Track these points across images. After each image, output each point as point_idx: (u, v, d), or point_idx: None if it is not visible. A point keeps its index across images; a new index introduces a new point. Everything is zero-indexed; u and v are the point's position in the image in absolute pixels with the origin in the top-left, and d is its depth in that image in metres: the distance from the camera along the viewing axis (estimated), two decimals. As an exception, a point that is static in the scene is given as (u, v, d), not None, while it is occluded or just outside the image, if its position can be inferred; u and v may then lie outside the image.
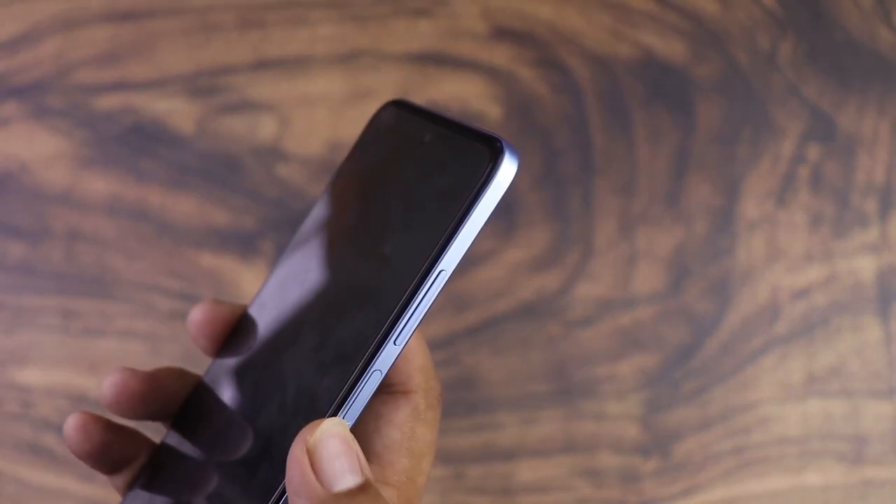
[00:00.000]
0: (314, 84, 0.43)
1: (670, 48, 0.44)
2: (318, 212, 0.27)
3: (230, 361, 0.27)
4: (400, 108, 0.26)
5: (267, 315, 0.27)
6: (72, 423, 0.27)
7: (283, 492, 0.23)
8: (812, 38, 0.44)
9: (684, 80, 0.43)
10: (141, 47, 0.43)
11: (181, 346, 0.41)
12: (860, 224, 0.43)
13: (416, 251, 0.22)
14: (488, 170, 0.22)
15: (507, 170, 0.22)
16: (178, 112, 0.43)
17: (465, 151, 0.22)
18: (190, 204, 0.42)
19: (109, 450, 0.28)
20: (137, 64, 0.43)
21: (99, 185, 0.43)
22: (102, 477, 0.41)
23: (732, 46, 0.44)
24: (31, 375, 0.41)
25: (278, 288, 0.27)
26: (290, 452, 0.22)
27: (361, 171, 0.27)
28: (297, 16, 0.43)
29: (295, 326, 0.25)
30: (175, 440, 0.28)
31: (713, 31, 0.44)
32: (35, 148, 0.43)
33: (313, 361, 0.24)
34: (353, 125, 0.43)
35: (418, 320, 0.22)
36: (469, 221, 0.22)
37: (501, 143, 0.22)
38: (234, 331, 0.28)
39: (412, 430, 0.26)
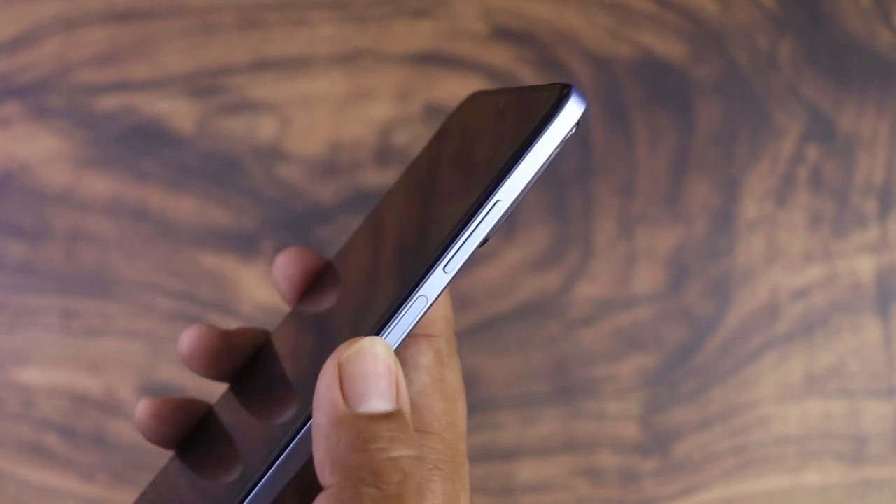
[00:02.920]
0: (314, 84, 0.43)
1: (670, 48, 0.44)
2: (399, 184, 0.27)
3: (305, 313, 0.27)
4: (481, 96, 0.26)
5: (344, 269, 0.27)
6: (144, 412, 0.27)
7: (309, 418, 0.22)
8: (811, 38, 0.44)
9: (684, 81, 0.44)
10: (141, 47, 0.43)
11: (182, 346, 0.41)
12: (859, 224, 0.43)
13: (476, 185, 0.22)
14: (552, 106, 0.21)
15: (573, 108, 0.21)
16: (178, 112, 0.43)
17: (535, 101, 0.22)
18: (190, 204, 0.43)
19: (172, 427, 0.27)
20: (138, 64, 0.43)
21: (99, 185, 0.43)
22: (103, 477, 0.41)
23: (732, 47, 0.44)
24: (31, 375, 0.41)
25: (355, 246, 0.27)
26: (324, 366, 0.20)
27: (441, 150, 0.27)
28: (298, 16, 0.44)
29: (366, 278, 0.25)
30: (231, 400, 0.28)
31: (713, 32, 0.44)
32: (35, 148, 0.43)
33: (371, 299, 0.23)
34: (353, 125, 0.43)
35: (471, 249, 0.21)
36: (531, 153, 0.21)
37: (570, 86, 0.21)
38: (315, 282, 0.28)
39: (440, 373, 0.24)
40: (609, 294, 0.42)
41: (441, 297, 0.24)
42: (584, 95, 0.22)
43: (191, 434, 0.28)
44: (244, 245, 0.42)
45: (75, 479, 0.41)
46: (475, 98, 0.27)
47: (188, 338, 0.27)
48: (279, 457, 0.22)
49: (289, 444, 0.22)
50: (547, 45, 0.44)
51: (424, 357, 0.24)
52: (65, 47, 0.43)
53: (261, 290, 0.42)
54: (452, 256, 0.21)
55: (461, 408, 0.25)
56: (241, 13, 0.43)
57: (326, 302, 0.26)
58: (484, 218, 0.21)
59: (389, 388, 0.20)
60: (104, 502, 0.40)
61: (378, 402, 0.20)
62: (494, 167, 0.22)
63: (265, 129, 0.43)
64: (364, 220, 0.28)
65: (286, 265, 0.28)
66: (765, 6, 0.44)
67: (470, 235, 0.21)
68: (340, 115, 0.43)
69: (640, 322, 0.42)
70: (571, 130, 0.21)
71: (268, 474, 0.22)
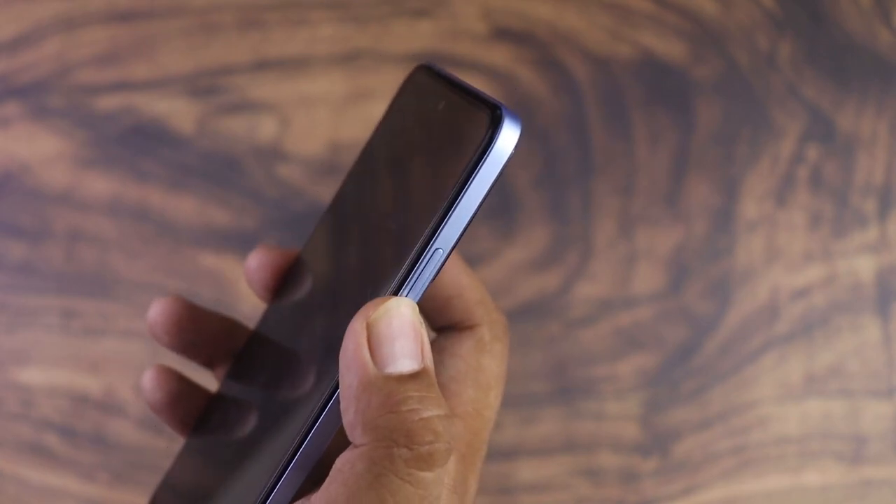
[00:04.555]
0: (314, 84, 0.43)
1: (670, 49, 0.44)
2: (357, 167, 0.28)
3: (286, 305, 0.28)
4: (428, 73, 0.26)
5: (319, 257, 0.27)
6: (148, 376, 0.28)
7: (337, 386, 0.22)
8: (811, 38, 0.44)
9: (684, 81, 0.44)
10: (141, 47, 0.43)
11: (182, 346, 0.41)
12: (859, 224, 0.43)
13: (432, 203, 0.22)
14: (486, 140, 0.21)
15: (506, 139, 0.21)
16: (178, 112, 0.43)
17: (468, 119, 0.22)
18: (190, 204, 0.43)
19: (180, 401, 0.29)
20: (138, 64, 0.43)
21: (99, 185, 0.43)
22: (103, 477, 0.41)
23: (732, 47, 0.44)
24: (31, 375, 0.41)
25: (327, 232, 0.27)
26: (349, 326, 0.21)
27: (389, 134, 0.27)
28: (298, 16, 0.44)
29: (364, 249, 0.25)
30: (231, 386, 0.28)
31: (713, 32, 0.44)
32: (36, 148, 0.43)
33: (378, 263, 0.23)
34: (353, 125, 0.43)
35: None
36: (467, 194, 0.21)
37: (501, 111, 0.21)
38: (288, 275, 0.28)
39: (477, 361, 0.25)
40: (609, 294, 0.42)
41: (470, 283, 0.25)
42: (518, 117, 0.22)
43: (202, 416, 0.29)
44: (244, 245, 0.42)
45: (75, 479, 0.41)
46: (421, 76, 0.26)
47: (156, 306, 0.28)
48: (315, 422, 0.22)
49: (322, 410, 0.22)
50: (547, 45, 0.44)
51: (463, 346, 0.25)
52: (65, 47, 0.43)
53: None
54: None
55: (494, 396, 0.25)
56: (241, 13, 0.44)
57: (319, 284, 0.27)
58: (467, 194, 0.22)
59: (416, 348, 0.21)
60: (104, 502, 0.40)
61: (406, 362, 0.21)
62: (433, 203, 0.22)
63: (265, 129, 0.43)
64: (329, 208, 0.29)
65: (257, 270, 0.28)
66: (765, 6, 0.44)
67: (457, 210, 0.22)
68: (340, 115, 0.43)
69: (640, 322, 0.42)
70: (510, 156, 0.21)
71: (308, 438, 0.22)
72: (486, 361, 0.25)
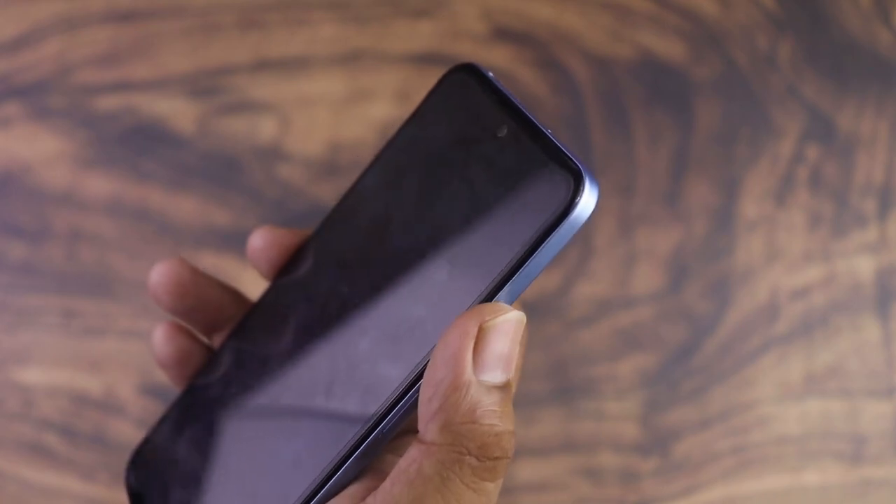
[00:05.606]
0: (315, 84, 0.43)
1: (670, 49, 0.44)
2: (385, 160, 0.26)
3: (294, 283, 0.28)
4: (473, 78, 0.24)
5: (330, 241, 0.27)
6: (160, 331, 0.29)
7: (414, 383, 0.22)
8: (811, 38, 0.44)
9: (683, 81, 0.44)
10: (142, 48, 0.43)
11: (182, 346, 0.41)
12: (859, 224, 0.43)
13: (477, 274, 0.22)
14: (565, 206, 0.20)
15: (586, 206, 0.21)
16: (178, 112, 0.43)
17: (543, 171, 0.21)
18: (191, 204, 0.43)
19: (189, 359, 0.29)
20: (138, 64, 0.43)
21: (100, 185, 0.43)
22: (103, 477, 0.41)
23: (732, 47, 0.44)
24: (32, 375, 0.41)
25: (341, 221, 0.27)
26: (459, 320, 0.21)
27: (424, 141, 0.25)
28: (298, 16, 0.44)
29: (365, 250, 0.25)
30: (233, 350, 0.28)
31: (712, 32, 0.44)
32: (36, 148, 0.43)
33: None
34: (353, 125, 0.43)
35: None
36: (538, 254, 0.21)
37: (584, 177, 0.20)
38: (296, 255, 0.28)
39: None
40: (609, 294, 0.42)
41: None
42: (597, 182, 0.21)
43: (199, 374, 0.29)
44: (244, 245, 0.42)
45: (75, 479, 0.41)
46: (462, 78, 0.24)
47: (158, 268, 0.28)
48: (398, 404, 0.23)
49: (404, 396, 0.22)
50: (547, 46, 0.44)
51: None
52: (65, 47, 0.43)
53: (261, 289, 0.42)
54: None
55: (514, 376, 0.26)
56: (242, 13, 0.44)
57: (324, 270, 0.26)
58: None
59: (512, 362, 0.21)
60: (104, 502, 0.40)
61: (500, 375, 0.21)
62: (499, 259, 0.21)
63: (265, 129, 0.43)
64: (350, 193, 0.27)
65: (263, 248, 0.28)
66: (765, 6, 0.44)
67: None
68: (340, 115, 0.43)
69: (640, 322, 0.42)
70: (585, 223, 0.21)
71: (384, 422, 0.23)
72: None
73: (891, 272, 0.43)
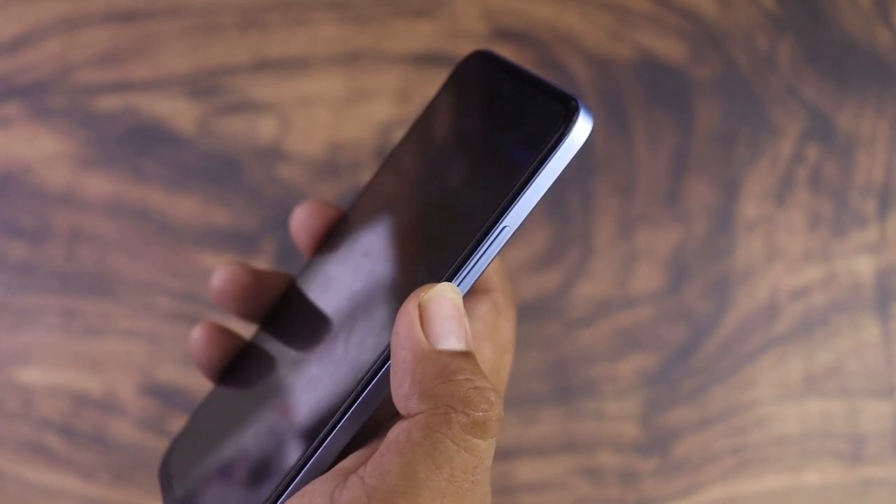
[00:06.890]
0: (315, 84, 0.43)
1: (669, 49, 0.44)
2: (407, 143, 0.28)
3: (328, 259, 0.28)
4: (485, 60, 0.27)
5: (365, 219, 0.28)
6: (198, 333, 0.29)
7: (388, 358, 0.23)
8: (811, 38, 0.44)
9: (683, 81, 0.44)
10: (142, 48, 0.43)
11: (183, 346, 0.41)
12: (859, 224, 0.43)
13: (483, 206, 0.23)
14: (560, 130, 0.22)
15: (581, 131, 0.22)
16: (178, 112, 0.43)
17: (540, 107, 0.23)
18: (191, 204, 0.43)
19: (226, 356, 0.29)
20: (138, 64, 0.43)
21: (100, 185, 0.43)
22: (103, 477, 0.41)
23: (731, 47, 0.44)
24: (32, 375, 0.41)
25: (374, 197, 0.28)
26: (401, 308, 0.22)
27: (444, 116, 0.28)
28: (298, 16, 0.44)
29: (393, 228, 0.26)
30: (268, 337, 0.29)
31: (712, 32, 0.44)
32: (36, 148, 0.43)
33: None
34: (353, 125, 0.43)
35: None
36: (537, 180, 0.22)
37: (577, 103, 0.22)
38: (333, 231, 0.29)
39: (494, 323, 0.26)
40: (608, 294, 0.42)
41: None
42: (591, 111, 0.22)
43: (231, 371, 0.29)
44: (244, 245, 0.42)
45: (75, 479, 0.41)
46: (476, 62, 0.27)
47: (220, 276, 0.29)
48: (362, 393, 0.23)
49: (370, 382, 0.23)
50: (547, 46, 0.44)
51: (481, 307, 0.26)
52: (65, 47, 0.43)
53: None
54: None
55: (508, 359, 0.27)
56: (242, 14, 0.44)
57: (364, 249, 0.27)
58: (499, 234, 0.23)
59: (462, 331, 0.22)
60: (104, 502, 0.41)
61: (455, 341, 0.22)
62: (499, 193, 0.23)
63: (265, 129, 0.43)
64: (378, 173, 0.29)
65: (307, 218, 0.29)
66: (765, 6, 0.44)
67: (484, 252, 0.23)
68: (340, 115, 0.43)
69: (640, 322, 0.42)
70: (580, 149, 0.23)
71: (351, 409, 0.23)
72: (501, 324, 0.26)
73: (891, 272, 0.43)
